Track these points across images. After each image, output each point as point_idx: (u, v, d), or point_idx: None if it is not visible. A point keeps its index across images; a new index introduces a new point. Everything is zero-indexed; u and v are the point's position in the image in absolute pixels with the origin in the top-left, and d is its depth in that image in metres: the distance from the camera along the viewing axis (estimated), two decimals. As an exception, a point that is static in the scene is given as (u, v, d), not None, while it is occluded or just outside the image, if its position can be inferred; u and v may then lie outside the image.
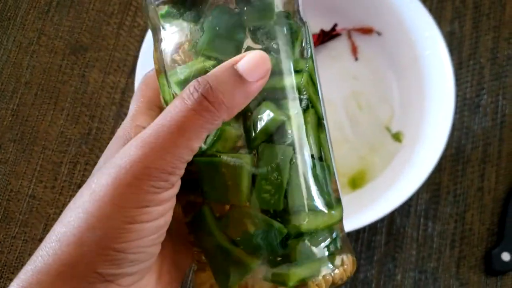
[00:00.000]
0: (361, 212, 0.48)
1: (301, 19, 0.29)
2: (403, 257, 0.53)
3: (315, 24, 0.58)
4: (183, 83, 0.26)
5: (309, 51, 0.29)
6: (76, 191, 0.28)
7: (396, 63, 0.56)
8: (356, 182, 0.53)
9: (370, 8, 0.55)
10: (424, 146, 0.50)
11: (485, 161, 0.55)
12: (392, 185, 0.50)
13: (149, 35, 0.52)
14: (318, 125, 0.29)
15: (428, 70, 0.52)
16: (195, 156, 0.25)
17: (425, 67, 0.52)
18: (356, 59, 0.57)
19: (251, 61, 0.25)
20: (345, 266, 0.28)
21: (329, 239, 0.28)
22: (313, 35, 0.56)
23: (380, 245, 0.53)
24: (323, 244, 0.27)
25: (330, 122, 0.55)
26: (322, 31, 0.57)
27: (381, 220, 0.52)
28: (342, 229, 0.30)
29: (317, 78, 0.30)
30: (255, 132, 0.26)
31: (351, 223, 0.47)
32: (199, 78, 0.24)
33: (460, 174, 0.55)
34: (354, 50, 0.57)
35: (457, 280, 0.52)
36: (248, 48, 0.26)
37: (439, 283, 0.52)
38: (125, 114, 0.54)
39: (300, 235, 0.26)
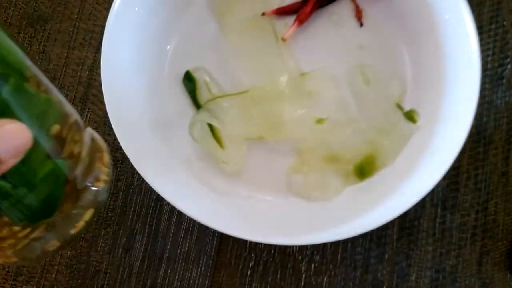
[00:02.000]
0: (371, 210, 0.41)
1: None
2: (417, 254, 0.46)
3: (313, -16, 0.49)
4: None
5: None
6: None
7: (409, 30, 0.47)
8: (363, 170, 0.46)
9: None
10: (445, 127, 0.43)
11: (510, 142, 0.48)
12: (408, 175, 0.43)
13: (118, 1, 0.44)
14: None
15: (448, 37, 0.44)
16: None
17: (443, 34, 0.44)
18: (361, 25, 0.49)
19: None
20: None
21: None
22: (311, -2, 0.48)
23: (391, 241, 0.46)
24: None
25: (330, 99, 0.48)
26: (322, -7, 0.49)
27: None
28: None
29: None
30: None
31: (360, 225, 0.40)
32: None
33: (482, 157, 0.48)
34: (359, 15, 0.49)
35: (479, 279, 0.45)
36: None
37: (459, 284, 0.45)
38: (94, 96, 0.46)
39: None
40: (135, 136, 0.43)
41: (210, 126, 0.46)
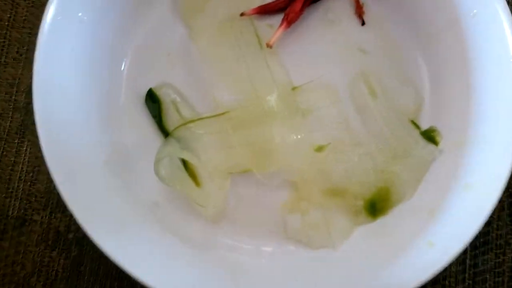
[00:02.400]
0: (390, 263, 0.32)
1: None
2: (446, 306, 0.37)
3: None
4: None
5: None
6: None
7: (423, 28, 0.38)
8: (376, 206, 0.37)
9: None
10: (478, 150, 0.34)
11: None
12: (434, 213, 0.34)
13: (54, 4, 0.33)
14: None
15: (475, 38, 0.35)
16: None
17: (469, 34, 0.35)
18: (363, 23, 0.40)
19: None
20: None
21: None
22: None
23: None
24: None
25: (330, 117, 0.38)
26: (313, -15, 0.39)
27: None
28: None
29: None
30: None
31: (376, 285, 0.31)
32: None
33: (517, 180, 0.39)
34: (360, 11, 0.40)
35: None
36: None
37: None
38: (34, 124, 0.36)
39: None
40: (83, 178, 0.33)
41: (183, 160, 0.36)
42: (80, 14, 0.34)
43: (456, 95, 0.36)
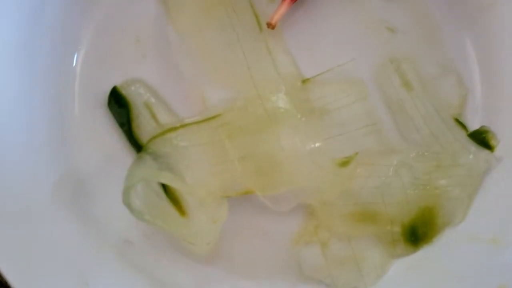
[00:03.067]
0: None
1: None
2: None
3: None
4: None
5: None
6: None
7: (466, 1, 0.31)
8: (418, 233, 0.30)
9: None
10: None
11: None
12: (499, 243, 0.26)
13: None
14: None
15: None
16: None
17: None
18: (390, -5, 0.32)
19: None
20: None
21: None
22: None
23: None
24: None
25: (355, 118, 0.31)
26: None
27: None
28: None
29: None
30: None
31: None
32: None
33: None
34: (384, -21, 0.32)
35: None
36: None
37: None
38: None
39: None
40: (20, 220, 0.25)
41: (162, 184, 0.28)
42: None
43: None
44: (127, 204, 0.27)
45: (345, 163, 0.29)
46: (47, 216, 0.26)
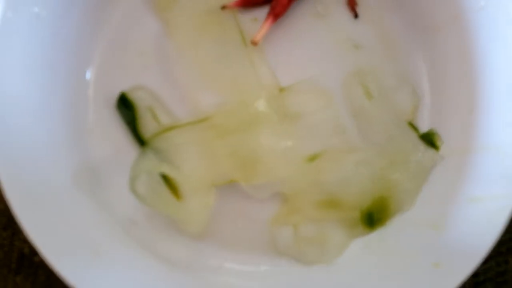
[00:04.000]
0: (392, 277, 0.30)
1: None
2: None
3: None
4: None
5: None
6: None
7: (422, 22, 0.35)
8: (374, 217, 0.34)
9: None
10: (487, 158, 0.31)
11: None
12: (439, 228, 0.31)
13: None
14: None
15: (482, 34, 0.32)
16: None
17: (475, 29, 0.32)
18: (356, 16, 0.36)
19: None
20: None
21: None
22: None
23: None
24: None
25: (323, 122, 0.35)
26: (301, -26, 0.35)
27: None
28: None
29: None
30: None
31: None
32: None
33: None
34: (352, 2, 0.36)
35: None
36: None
37: None
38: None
39: None
40: (45, 200, 0.29)
41: (162, 175, 0.33)
42: (36, 9, 0.30)
43: (458, 97, 0.34)
44: (133, 190, 0.31)
45: (313, 158, 0.34)
46: (67, 198, 0.30)
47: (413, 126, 0.35)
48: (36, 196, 0.29)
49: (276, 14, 0.35)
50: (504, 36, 0.31)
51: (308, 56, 0.36)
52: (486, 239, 0.28)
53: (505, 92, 0.31)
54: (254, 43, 0.34)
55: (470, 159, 0.32)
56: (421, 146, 0.35)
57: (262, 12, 0.36)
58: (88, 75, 0.35)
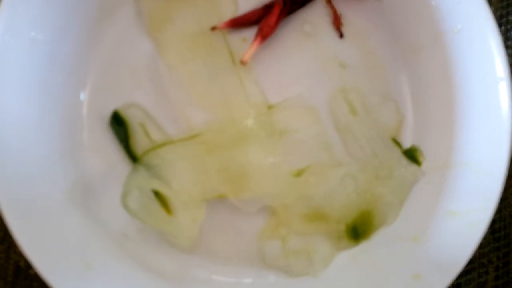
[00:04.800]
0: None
1: None
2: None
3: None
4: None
5: None
6: None
7: (405, 42, 0.37)
8: (358, 231, 0.35)
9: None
10: (465, 172, 0.32)
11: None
12: (420, 238, 0.32)
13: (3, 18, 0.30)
14: None
15: (460, 54, 0.33)
16: None
17: (454, 50, 0.34)
18: (341, 36, 0.38)
19: None
20: None
21: None
22: (275, 2, 0.36)
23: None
24: None
25: (309, 138, 0.36)
26: (288, -5, 0.37)
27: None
28: None
29: None
30: None
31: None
32: None
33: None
34: (338, 22, 0.38)
35: None
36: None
37: None
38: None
39: None
40: (40, 214, 0.30)
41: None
42: (33, 33, 0.31)
43: (439, 115, 0.35)
44: (125, 206, 0.32)
45: (299, 173, 0.35)
46: (61, 213, 0.31)
47: (396, 142, 0.37)
48: (30, 211, 0.30)
49: (264, 35, 0.36)
50: (480, 57, 0.32)
51: (295, 74, 0.37)
52: (465, 251, 0.30)
53: (482, 111, 0.32)
54: (243, 63, 0.36)
55: (449, 175, 0.33)
56: (404, 161, 0.36)
57: (251, 33, 0.37)
58: (83, 94, 0.36)
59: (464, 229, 0.30)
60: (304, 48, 0.37)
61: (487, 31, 0.32)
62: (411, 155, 0.36)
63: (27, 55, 0.31)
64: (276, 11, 0.36)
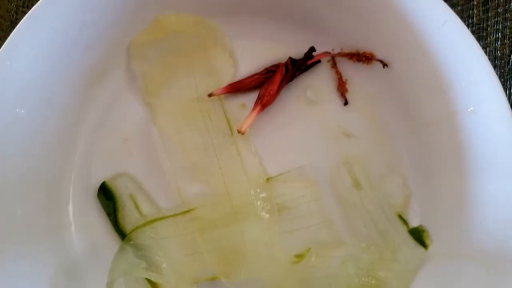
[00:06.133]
0: None
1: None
2: None
3: (281, 47, 0.35)
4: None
5: None
6: None
7: (414, 116, 0.34)
8: (359, 317, 0.33)
9: (372, 21, 0.33)
10: (475, 267, 0.30)
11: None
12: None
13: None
14: None
15: (473, 135, 0.31)
16: None
17: (467, 130, 0.31)
18: (346, 103, 0.35)
19: None
20: None
21: None
22: (278, 67, 0.34)
23: None
24: None
25: (310, 215, 0.34)
26: (291, 60, 0.35)
27: None
28: None
29: None
30: None
31: None
32: None
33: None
34: (343, 88, 0.35)
35: None
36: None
37: None
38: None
39: None
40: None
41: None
42: (17, 109, 0.29)
43: (449, 195, 0.33)
44: None
45: (298, 258, 0.33)
46: None
47: (403, 219, 0.34)
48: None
49: (264, 104, 0.34)
50: (495, 140, 0.30)
51: (296, 143, 0.35)
52: None
53: (496, 199, 0.30)
54: (241, 132, 0.34)
55: (457, 265, 0.31)
56: (411, 243, 0.34)
57: (250, 98, 0.35)
58: (70, 164, 0.34)
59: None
60: (306, 116, 0.35)
61: (502, 115, 0.29)
62: (418, 236, 0.34)
63: (13, 133, 0.29)
64: (277, 78, 0.34)
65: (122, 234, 0.33)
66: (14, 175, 0.30)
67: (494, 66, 0.35)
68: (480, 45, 0.29)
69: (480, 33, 0.37)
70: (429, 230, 0.33)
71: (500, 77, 0.34)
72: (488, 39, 0.35)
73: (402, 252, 0.33)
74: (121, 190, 0.34)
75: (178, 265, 0.32)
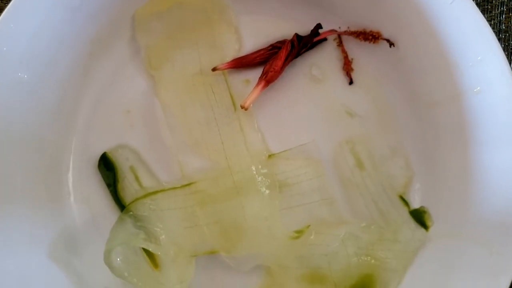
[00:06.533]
0: None
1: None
2: None
3: (287, 23, 0.35)
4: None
5: None
6: None
7: (419, 95, 0.34)
8: (358, 297, 0.33)
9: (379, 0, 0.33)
10: (477, 248, 0.30)
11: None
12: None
13: None
14: None
15: (479, 115, 0.31)
16: None
17: (473, 109, 0.31)
18: (351, 82, 0.35)
19: None
20: None
21: None
22: (283, 43, 0.33)
23: None
24: None
25: (311, 192, 0.34)
26: (297, 36, 0.34)
27: None
28: None
29: None
30: None
31: None
32: None
33: None
34: (348, 67, 0.35)
35: None
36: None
37: None
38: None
39: None
40: (20, 272, 0.28)
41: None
42: (20, 73, 0.29)
43: (452, 177, 0.32)
44: (108, 263, 0.30)
45: (298, 233, 0.33)
46: (43, 269, 0.29)
47: (404, 201, 0.34)
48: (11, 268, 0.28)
49: (268, 80, 0.34)
50: (500, 121, 0.29)
51: (300, 121, 0.35)
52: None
53: (501, 179, 0.30)
54: (244, 108, 0.33)
55: (459, 247, 0.31)
56: (411, 224, 0.33)
57: (254, 74, 0.35)
58: (71, 133, 0.33)
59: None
60: (310, 93, 0.35)
61: (509, 95, 0.29)
62: (419, 217, 0.33)
63: (13, 95, 0.29)
64: (282, 55, 0.34)
65: (121, 205, 0.33)
66: (15, 140, 0.29)
67: (499, 39, 0.35)
68: (485, 18, 0.29)
69: (484, 5, 0.37)
70: (431, 211, 0.33)
71: (504, 50, 0.34)
72: (493, 12, 0.35)
73: (402, 233, 0.33)
74: (122, 162, 0.33)
75: (177, 237, 0.32)
